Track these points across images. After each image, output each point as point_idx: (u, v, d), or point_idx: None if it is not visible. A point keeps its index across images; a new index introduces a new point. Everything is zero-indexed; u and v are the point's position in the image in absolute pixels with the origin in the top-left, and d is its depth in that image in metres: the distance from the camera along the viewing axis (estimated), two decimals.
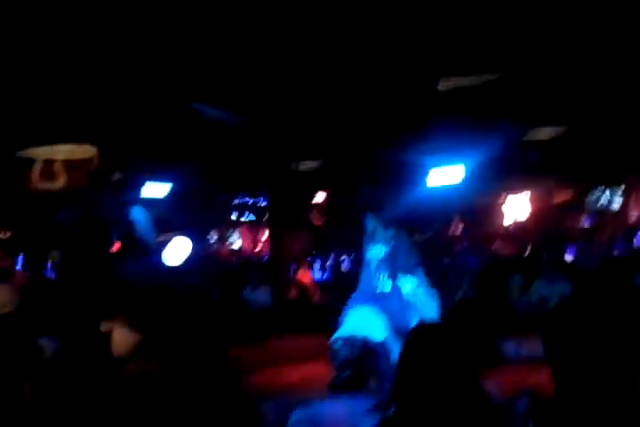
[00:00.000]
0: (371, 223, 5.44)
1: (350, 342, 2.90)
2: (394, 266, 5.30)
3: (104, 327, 2.64)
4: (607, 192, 12.94)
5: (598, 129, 6.46)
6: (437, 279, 8.17)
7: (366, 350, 2.90)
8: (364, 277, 5.35)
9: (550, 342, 1.55)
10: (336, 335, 4.47)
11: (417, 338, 1.86)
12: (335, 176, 8.57)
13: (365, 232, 5.49)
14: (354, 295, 5.32)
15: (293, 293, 9.36)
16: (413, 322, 4.89)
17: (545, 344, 1.56)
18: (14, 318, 2.45)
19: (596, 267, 7.86)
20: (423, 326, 2.12)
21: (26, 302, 3.10)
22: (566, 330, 1.51)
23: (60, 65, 3.26)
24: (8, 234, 11.98)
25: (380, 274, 5.28)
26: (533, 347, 5.66)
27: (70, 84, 3.37)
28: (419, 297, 5.22)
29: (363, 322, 5.03)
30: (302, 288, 9.93)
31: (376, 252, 5.32)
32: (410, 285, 5.33)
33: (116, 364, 2.43)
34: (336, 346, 2.92)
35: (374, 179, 8.77)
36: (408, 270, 5.31)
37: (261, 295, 8.82)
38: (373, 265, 5.30)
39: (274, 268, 9.13)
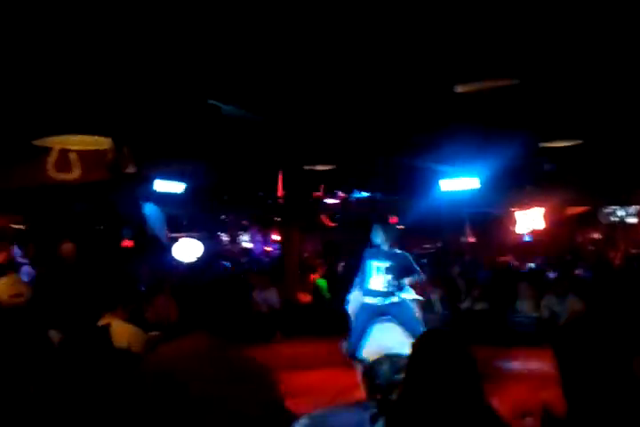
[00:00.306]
0: (378, 236, 5.48)
1: (395, 360, 2.83)
2: (399, 276, 5.40)
3: (103, 320, 2.63)
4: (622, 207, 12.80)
5: (614, 142, 6.40)
6: (447, 288, 8.16)
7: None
8: (366, 283, 5.43)
9: (563, 359, 1.52)
10: (369, 353, 4.60)
11: (426, 344, 1.84)
12: (349, 178, 8.55)
13: (371, 243, 5.55)
14: (363, 305, 5.36)
15: (303, 295, 9.34)
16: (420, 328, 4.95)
17: (558, 361, 1.53)
18: (27, 308, 2.45)
19: (608, 283, 7.76)
20: (433, 332, 2.08)
21: (37, 293, 3.11)
22: (580, 347, 1.48)
23: (80, 56, 3.28)
24: (24, 225, 12.07)
25: (387, 283, 5.36)
26: (537, 362, 5.62)
27: (90, 74, 3.38)
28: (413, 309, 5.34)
29: (387, 337, 5.09)
30: (313, 290, 9.91)
31: (381, 262, 5.39)
32: (410, 295, 5.43)
33: (121, 356, 2.42)
34: (381, 366, 2.83)
35: (387, 186, 8.75)
36: (409, 283, 5.44)
37: (270, 296, 8.81)
38: (379, 273, 5.38)
39: (284, 269, 9.11)
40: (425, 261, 10.25)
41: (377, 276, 5.39)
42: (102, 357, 2.18)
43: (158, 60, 3.59)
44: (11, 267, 5.04)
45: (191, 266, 12.34)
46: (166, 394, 2.03)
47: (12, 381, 2.07)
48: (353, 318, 5.46)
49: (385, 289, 5.36)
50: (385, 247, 5.48)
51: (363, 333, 5.20)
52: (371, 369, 3.00)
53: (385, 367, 3.06)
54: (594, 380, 1.41)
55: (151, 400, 2.03)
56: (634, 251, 12.37)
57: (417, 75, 4.15)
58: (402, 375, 2.72)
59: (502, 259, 11.74)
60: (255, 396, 2.06)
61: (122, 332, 2.88)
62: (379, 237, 5.49)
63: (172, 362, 2.10)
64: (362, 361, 4.91)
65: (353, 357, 5.23)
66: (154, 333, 3.52)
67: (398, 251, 5.51)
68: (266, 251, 16.39)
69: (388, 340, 4.93)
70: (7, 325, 2.16)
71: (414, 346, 1.85)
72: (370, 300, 5.39)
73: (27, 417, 2.04)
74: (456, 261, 11.63)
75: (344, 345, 5.36)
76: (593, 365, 1.42)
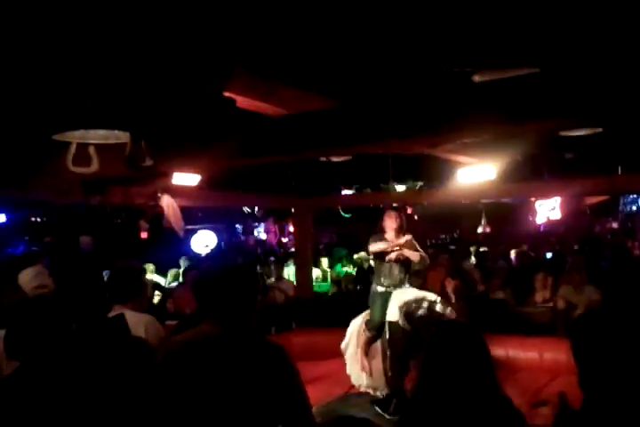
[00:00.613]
0: (388, 223, 5.53)
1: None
2: (407, 268, 5.49)
3: (116, 310, 2.66)
4: None
5: (635, 131, 6.30)
6: (463, 278, 8.14)
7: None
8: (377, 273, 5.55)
9: (581, 349, 1.52)
10: (393, 315, 5.00)
11: (442, 335, 1.85)
12: (364, 170, 8.52)
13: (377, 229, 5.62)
14: (378, 292, 5.48)
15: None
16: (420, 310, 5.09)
17: (575, 352, 1.53)
18: (52, 300, 2.49)
19: (626, 273, 7.68)
20: (447, 324, 2.10)
21: (60, 284, 3.15)
22: (597, 338, 1.48)
23: (99, 51, 3.30)
24: (41, 218, 12.26)
25: (398, 270, 5.45)
26: (551, 352, 5.60)
27: (108, 69, 3.41)
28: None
29: (406, 296, 5.31)
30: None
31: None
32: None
33: (137, 346, 2.45)
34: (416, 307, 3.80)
35: (402, 176, 8.72)
36: (418, 268, 5.56)
37: (285, 287, 8.86)
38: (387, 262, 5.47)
39: (298, 260, 9.14)
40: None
41: (379, 244, 5.47)
42: (119, 346, 2.21)
43: (174, 54, 3.61)
44: (35, 258, 5.13)
45: (206, 257, 12.48)
46: (177, 382, 2.07)
47: (42, 375, 2.11)
48: (370, 305, 5.57)
49: (397, 277, 5.45)
50: (391, 234, 5.52)
51: (383, 312, 5.35)
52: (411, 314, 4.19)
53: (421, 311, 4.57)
54: (611, 370, 1.41)
55: (163, 390, 2.07)
56: None
57: (436, 64, 4.13)
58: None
59: (519, 249, 11.67)
60: (267, 384, 2.07)
61: (137, 322, 2.92)
62: (389, 224, 5.54)
63: (182, 350, 2.14)
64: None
65: (374, 329, 5.40)
66: (171, 322, 3.57)
67: (406, 237, 5.55)
68: (281, 242, 16.47)
69: (408, 296, 5.19)
70: (32, 315, 2.20)
71: (430, 338, 1.87)
72: (382, 289, 5.49)
73: (50, 409, 2.07)
74: (472, 252, 11.60)
75: (366, 324, 5.53)
76: (610, 355, 1.42)
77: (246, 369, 2.08)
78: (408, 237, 5.51)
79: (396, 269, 5.47)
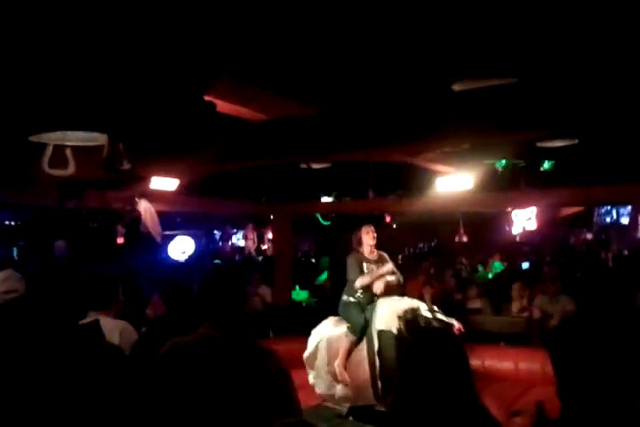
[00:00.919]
0: (364, 237, 5.57)
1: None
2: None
3: (91, 317, 2.61)
4: (617, 207, 12.86)
5: (612, 141, 6.41)
6: (440, 287, 8.17)
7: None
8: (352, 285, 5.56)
9: (559, 359, 1.53)
10: (385, 322, 4.95)
11: (421, 343, 1.84)
12: (344, 178, 8.53)
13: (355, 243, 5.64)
14: (351, 303, 5.47)
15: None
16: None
17: (554, 362, 1.54)
18: (24, 303, 2.43)
19: (601, 283, 7.79)
20: (427, 332, 2.10)
21: (33, 289, 3.07)
22: (576, 348, 1.49)
23: (77, 51, 3.26)
24: (16, 222, 12.03)
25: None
26: (526, 362, 5.64)
27: (86, 71, 3.37)
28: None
29: (396, 303, 5.31)
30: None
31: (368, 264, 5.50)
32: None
33: (110, 353, 2.41)
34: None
35: (381, 184, 8.76)
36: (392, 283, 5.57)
37: (263, 294, 8.80)
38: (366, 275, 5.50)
39: (277, 266, 9.10)
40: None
41: (363, 278, 5.45)
42: (92, 353, 2.17)
43: (154, 57, 3.58)
44: (7, 263, 5.02)
45: (182, 264, 12.36)
46: (182, 381, 2.15)
47: (11, 378, 2.05)
48: (345, 315, 5.53)
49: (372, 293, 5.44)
50: (367, 249, 5.54)
51: (362, 319, 5.30)
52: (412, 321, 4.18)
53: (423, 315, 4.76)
54: (589, 380, 1.42)
55: (170, 387, 2.15)
56: (626, 252, 12.44)
57: (414, 73, 4.15)
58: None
59: (494, 259, 11.78)
60: (264, 385, 2.18)
61: (112, 327, 2.87)
62: (366, 240, 5.55)
63: (187, 351, 2.23)
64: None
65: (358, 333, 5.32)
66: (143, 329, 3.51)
67: (381, 252, 5.60)
68: (259, 249, 16.39)
69: (403, 305, 5.16)
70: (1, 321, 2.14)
71: (409, 346, 1.86)
72: (354, 300, 5.48)
73: (24, 414, 2.02)
74: (449, 262, 11.67)
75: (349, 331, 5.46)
76: (589, 365, 1.43)
77: (246, 370, 2.20)
78: (389, 266, 5.54)
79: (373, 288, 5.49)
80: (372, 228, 5.66)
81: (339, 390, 5.38)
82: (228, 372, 2.17)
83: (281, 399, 2.20)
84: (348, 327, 5.44)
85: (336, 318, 5.70)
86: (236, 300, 2.34)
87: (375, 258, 5.60)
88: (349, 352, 5.37)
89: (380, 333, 5.07)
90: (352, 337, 5.35)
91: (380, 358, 5.02)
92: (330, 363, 5.43)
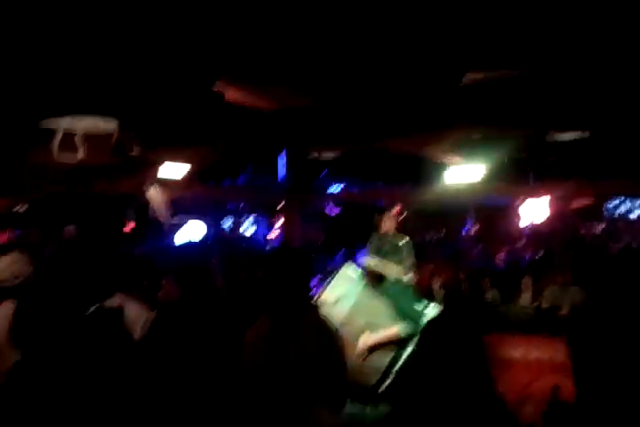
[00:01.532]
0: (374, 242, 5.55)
1: None
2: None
3: (115, 302, 2.62)
4: (627, 200, 12.75)
5: (622, 135, 6.35)
6: (450, 277, 8.15)
7: None
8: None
9: (577, 347, 1.52)
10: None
11: (434, 332, 1.84)
12: (353, 168, 8.52)
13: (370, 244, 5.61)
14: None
15: None
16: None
17: (572, 350, 1.53)
18: (31, 288, 2.43)
19: (610, 275, 7.74)
20: (440, 321, 2.10)
21: (41, 273, 3.09)
22: (593, 336, 1.48)
23: (89, 40, 3.25)
24: (25, 206, 12.08)
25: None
26: (536, 351, 5.63)
27: (97, 57, 3.36)
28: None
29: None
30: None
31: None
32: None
33: (130, 340, 2.42)
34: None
35: (391, 175, 8.73)
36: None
37: None
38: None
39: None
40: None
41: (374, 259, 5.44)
42: (107, 337, 2.18)
43: (163, 45, 3.57)
44: (13, 246, 5.01)
45: (197, 248, 12.35)
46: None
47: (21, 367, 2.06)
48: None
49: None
50: (389, 237, 5.51)
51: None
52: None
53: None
54: (605, 367, 1.41)
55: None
56: (635, 245, 12.34)
57: (424, 66, 4.12)
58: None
59: (505, 250, 11.71)
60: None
61: (137, 316, 2.85)
62: (389, 225, 5.51)
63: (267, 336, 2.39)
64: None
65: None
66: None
67: (404, 240, 5.54)
68: (268, 238, 16.39)
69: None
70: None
71: (421, 334, 1.85)
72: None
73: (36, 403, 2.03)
74: (459, 253, 11.61)
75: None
76: (606, 352, 1.42)
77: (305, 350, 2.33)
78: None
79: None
80: (395, 214, 5.66)
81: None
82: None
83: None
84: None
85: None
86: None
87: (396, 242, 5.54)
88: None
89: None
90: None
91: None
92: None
